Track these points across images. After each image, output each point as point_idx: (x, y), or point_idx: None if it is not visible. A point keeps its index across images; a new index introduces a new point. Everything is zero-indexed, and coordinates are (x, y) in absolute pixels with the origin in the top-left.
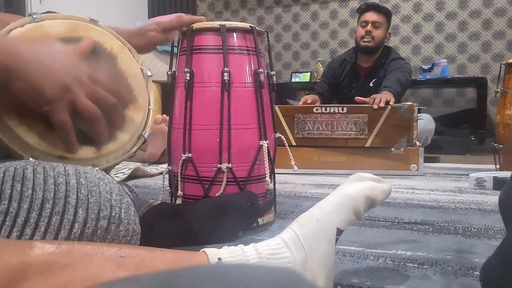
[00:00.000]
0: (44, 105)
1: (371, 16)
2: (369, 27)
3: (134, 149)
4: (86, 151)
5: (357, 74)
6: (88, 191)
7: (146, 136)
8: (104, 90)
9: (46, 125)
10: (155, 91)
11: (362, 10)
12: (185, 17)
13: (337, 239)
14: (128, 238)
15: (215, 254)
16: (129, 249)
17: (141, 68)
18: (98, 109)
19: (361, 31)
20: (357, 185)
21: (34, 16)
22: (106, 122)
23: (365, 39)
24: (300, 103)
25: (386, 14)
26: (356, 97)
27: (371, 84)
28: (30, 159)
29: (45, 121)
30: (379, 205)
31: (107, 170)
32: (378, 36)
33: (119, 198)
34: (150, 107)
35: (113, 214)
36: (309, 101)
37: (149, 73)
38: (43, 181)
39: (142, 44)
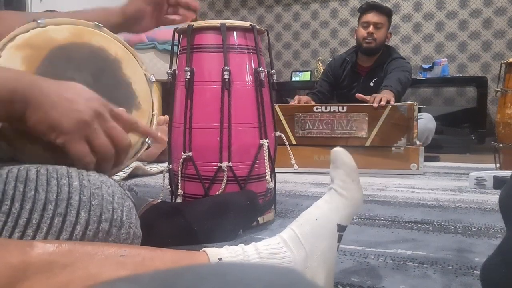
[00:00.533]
0: (59, 136)
1: (372, 17)
2: (371, 28)
3: (138, 155)
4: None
5: (358, 73)
6: (90, 193)
7: (150, 142)
8: (123, 127)
9: None
10: (155, 90)
11: (363, 10)
12: None
13: (341, 236)
14: (129, 242)
15: (215, 254)
16: (129, 248)
17: (144, 74)
18: (112, 149)
19: (362, 32)
20: (338, 177)
21: (38, 21)
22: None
23: (367, 41)
24: (295, 101)
25: (388, 14)
26: (357, 94)
27: (371, 84)
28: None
29: None
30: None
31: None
32: (380, 37)
33: (121, 201)
34: (153, 112)
35: (115, 217)
36: (296, 101)
37: (153, 79)
38: (46, 182)
39: (137, 7)
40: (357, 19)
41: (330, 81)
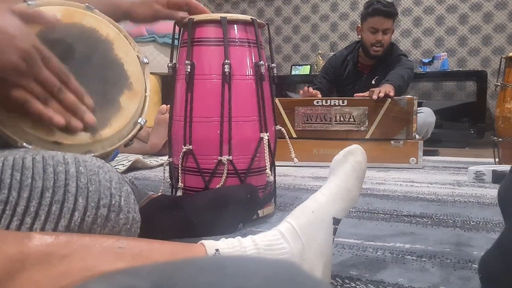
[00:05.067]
0: (12, 75)
1: (382, 23)
2: (380, 36)
3: (130, 135)
4: (81, 137)
5: (360, 72)
6: (87, 179)
7: (142, 123)
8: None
9: None
10: (154, 83)
11: (370, 15)
12: (193, 1)
13: (335, 229)
14: (128, 226)
15: (212, 246)
16: (127, 240)
17: (137, 55)
18: (56, 79)
19: (370, 38)
20: (342, 171)
21: (29, 2)
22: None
23: (375, 48)
24: (302, 92)
25: (395, 16)
26: (355, 94)
27: (373, 82)
28: (24, 144)
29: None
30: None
31: (104, 157)
32: (387, 41)
33: (118, 186)
34: (146, 94)
35: (113, 202)
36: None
37: (146, 60)
38: (42, 170)
39: (144, 12)
40: (360, 15)
41: (330, 79)
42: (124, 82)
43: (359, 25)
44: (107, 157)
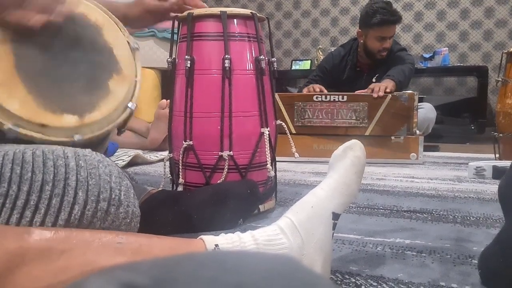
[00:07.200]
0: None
1: (390, 32)
2: (387, 43)
3: (120, 119)
4: (68, 119)
5: (360, 71)
6: (87, 173)
7: (132, 107)
8: None
9: (28, 92)
10: (154, 78)
11: (377, 25)
12: None
13: (335, 224)
14: (128, 220)
15: (212, 241)
16: (126, 235)
17: (127, 41)
18: None
19: (377, 46)
20: (341, 166)
21: None
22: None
23: (383, 54)
24: (306, 91)
25: (401, 20)
26: (356, 92)
27: (373, 80)
28: (10, 126)
29: (26, 87)
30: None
31: (94, 141)
32: (391, 43)
33: (118, 180)
34: (136, 78)
35: (113, 196)
36: (317, 89)
37: (136, 45)
38: (42, 164)
39: (139, 13)
40: (360, 14)
41: (325, 77)
42: (113, 67)
43: (360, 30)
44: (100, 143)
